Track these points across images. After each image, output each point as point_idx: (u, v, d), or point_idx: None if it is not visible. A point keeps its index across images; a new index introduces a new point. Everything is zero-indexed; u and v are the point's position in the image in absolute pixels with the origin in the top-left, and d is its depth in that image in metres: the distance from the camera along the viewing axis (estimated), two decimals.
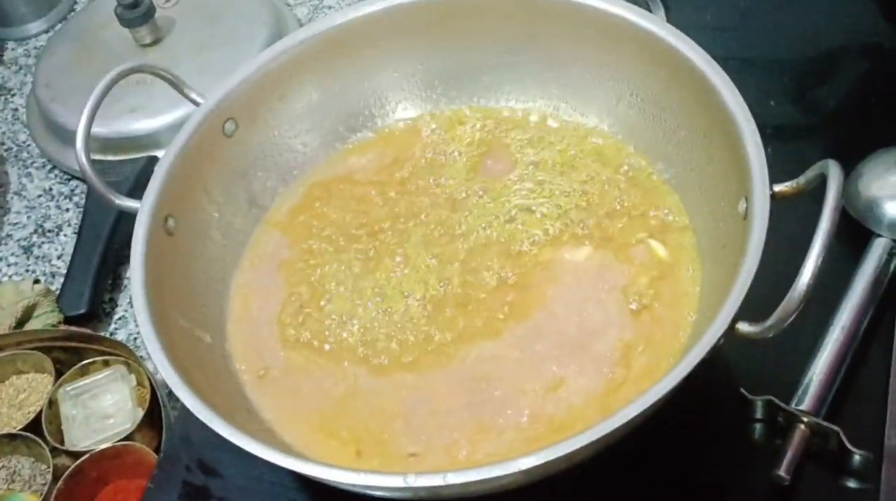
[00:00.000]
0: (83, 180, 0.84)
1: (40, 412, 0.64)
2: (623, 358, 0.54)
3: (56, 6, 1.02)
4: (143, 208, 0.57)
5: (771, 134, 0.52)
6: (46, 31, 1.01)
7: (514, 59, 0.66)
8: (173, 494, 0.60)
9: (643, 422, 0.45)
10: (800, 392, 0.55)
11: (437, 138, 0.67)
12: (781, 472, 0.52)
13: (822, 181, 0.47)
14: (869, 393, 0.56)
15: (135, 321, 0.74)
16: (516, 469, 0.43)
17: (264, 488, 0.59)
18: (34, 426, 0.64)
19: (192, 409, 0.48)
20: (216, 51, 0.84)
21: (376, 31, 0.66)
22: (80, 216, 0.79)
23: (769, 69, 0.75)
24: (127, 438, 0.62)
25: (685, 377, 0.45)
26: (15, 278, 0.79)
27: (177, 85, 0.63)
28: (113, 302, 0.76)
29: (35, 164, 0.88)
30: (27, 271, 0.80)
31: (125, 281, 0.77)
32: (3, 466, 0.64)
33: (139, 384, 0.66)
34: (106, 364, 0.67)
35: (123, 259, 0.77)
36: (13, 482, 0.64)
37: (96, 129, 0.60)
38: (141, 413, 0.63)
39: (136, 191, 0.60)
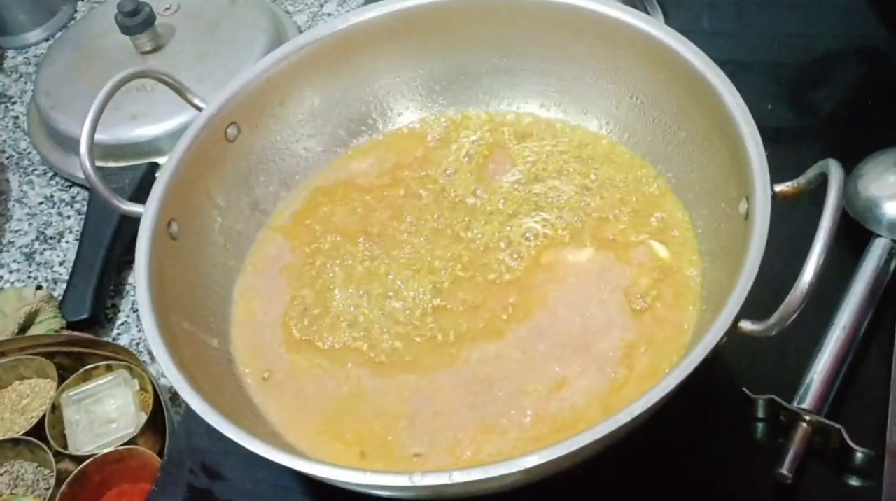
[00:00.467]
0: (84, 187, 0.84)
1: (43, 416, 0.64)
2: (625, 358, 0.54)
3: (56, 14, 1.02)
4: (147, 212, 0.57)
5: (768, 137, 0.52)
6: (47, 40, 1.01)
7: (514, 64, 0.67)
8: (177, 498, 0.60)
9: (646, 421, 0.45)
10: (801, 390, 0.55)
11: (439, 142, 0.68)
12: (784, 470, 0.53)
13: (822, 181, 0.47)
14: (870, 391, 0.56)
15: (137, 326, 0.74)
16: (520, 468, 0.43)
17: (268, 491, 0.59)
18: (37, 430, 0.64)
19: (198, 412, 0.48)
20: (216, 58, 0.85)
21: (377, 37, 0.66)
22: (82, 223, 0.79)
23: (766, 73, 0.75)
24: (130, 442, 0.62)
25: (688, 376, 0.45)
26: (17, 285, 0.79)
27: (179, 90, 0.63)
28: (115, 308, 0.76)
29: (36, 172, 0.88)
30: (29, 278, 0.80)
31: (127, 287, 0.77)
32: (6, 471, 0.65)
33: (142, 388, 0.66)
34: (109, 368, 0.67)
35: (125, 265, 0.78)
36: (16, 486, 0.64)
37: (98, 136, 0.60)
38: (144, 417, 0.64)
39: (138, 198, 0.60)
